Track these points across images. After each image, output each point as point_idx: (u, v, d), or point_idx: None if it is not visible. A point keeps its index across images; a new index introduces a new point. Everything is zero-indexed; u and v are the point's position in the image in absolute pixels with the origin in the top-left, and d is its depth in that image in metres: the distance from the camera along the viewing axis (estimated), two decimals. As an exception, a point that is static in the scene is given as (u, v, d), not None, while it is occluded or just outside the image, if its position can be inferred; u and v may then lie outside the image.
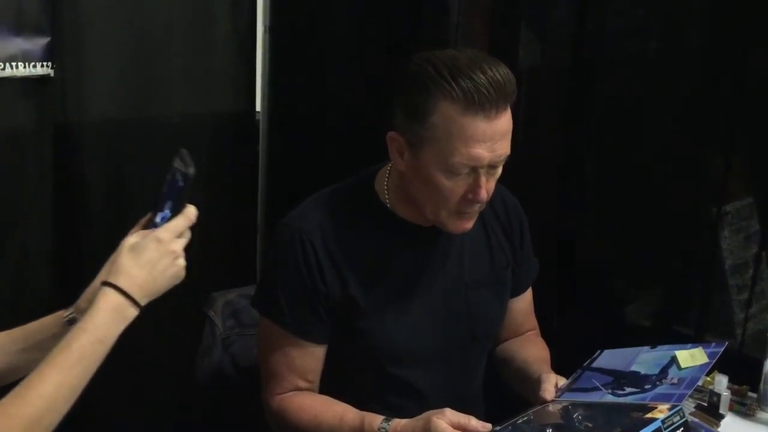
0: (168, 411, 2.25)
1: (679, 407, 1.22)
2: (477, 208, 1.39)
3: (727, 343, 1.38)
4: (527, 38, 2.15)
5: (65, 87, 2.11)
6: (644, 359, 1.43)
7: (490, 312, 1.55)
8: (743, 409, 1.56)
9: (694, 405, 1.57)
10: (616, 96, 1.98)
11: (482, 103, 1.27)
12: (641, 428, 1.16)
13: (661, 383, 1.33)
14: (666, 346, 1.43)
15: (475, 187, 1.33)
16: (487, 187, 1.34)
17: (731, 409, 1.55)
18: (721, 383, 1.54)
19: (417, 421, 1.28)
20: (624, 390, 1.35)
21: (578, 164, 2.05)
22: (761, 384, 1.56)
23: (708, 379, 1.64)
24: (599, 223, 2.03)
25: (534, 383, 1.43)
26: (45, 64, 2.02)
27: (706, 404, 1.56)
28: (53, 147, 2.11)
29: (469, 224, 1.41)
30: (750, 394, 1.60)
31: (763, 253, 1.85)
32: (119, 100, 2.24)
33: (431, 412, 1.28)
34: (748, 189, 1.89)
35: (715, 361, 1.34)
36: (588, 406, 1.32)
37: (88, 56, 2.15)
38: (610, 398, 1.34)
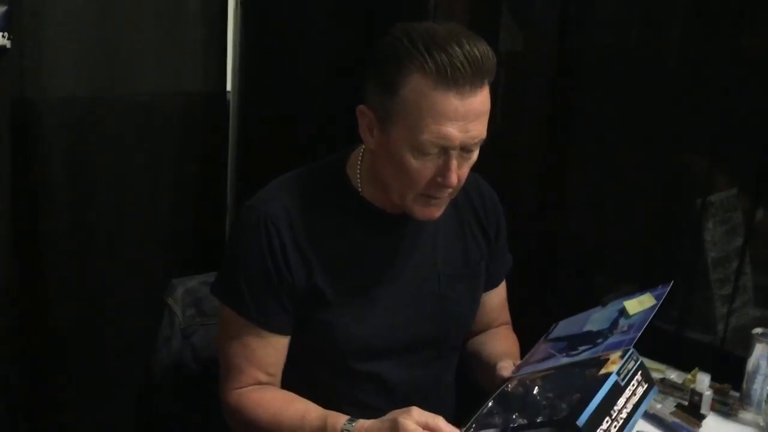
0: (128, 402, 2.18)
1: (630, 351, 1.18)
2: (447, 194, 1.31)
3: (672, 282, 1.33)
4: (508, 23, 2.11)
5: (23, 60, 2.02)
6: (596, 318, 1.39)
7: (463, 307, 1.49)
8: (725, 409, 1.53)
9: (675, 404, 1.52)
10: (600, 84, 1.93)
11: (456, 79, 1.19)
12: (599, 388, 1.11)
13: (612, 334, 1.29)
14: (615, 301, 1.39)
15: (444, 170, 1.26)
16: (459, 173, 1.27)
17: (713, 409, 1.52)
18: (702, 382, 1.50)
19: (383, 422, 1.21)
20: (578, 350, 1.31)
21: (559, 154, 2.00)
22: (744, 382, 1.53)
23: (689, 377, 1.60)
24: (581, 213, 2.00)
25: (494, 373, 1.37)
26: (2, 34, 1.94)
27: (686, 404, 1.51)
28: (10, 123, 2.03)
29: (436, 212, 1.34)
30: (732, 392, 1.57)
31: (747, 246, 1.81)
32: (82, 76, 2.16)
33: (397, 411, 1.21)
34: (733, 179, 1.85)
35: (661, 302, 1.29)
36: (545, 376, 1.27)
37: (50, 27, 2.06)
38: (565, 360, 1.30)
